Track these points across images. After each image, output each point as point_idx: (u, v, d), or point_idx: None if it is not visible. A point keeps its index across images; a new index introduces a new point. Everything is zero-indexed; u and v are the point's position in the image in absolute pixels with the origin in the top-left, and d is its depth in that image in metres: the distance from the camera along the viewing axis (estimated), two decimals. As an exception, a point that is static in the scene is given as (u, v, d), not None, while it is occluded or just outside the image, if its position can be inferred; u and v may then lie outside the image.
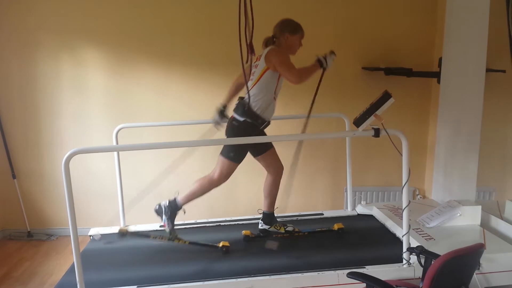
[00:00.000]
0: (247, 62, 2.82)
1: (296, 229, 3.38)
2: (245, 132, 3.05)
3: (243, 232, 3.31)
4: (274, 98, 3.12)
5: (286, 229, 3.36)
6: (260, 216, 3.41)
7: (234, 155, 3.09)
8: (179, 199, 3.20)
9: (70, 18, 4.12)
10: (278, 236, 3.31)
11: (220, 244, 3.10)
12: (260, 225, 3.40)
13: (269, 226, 3.37)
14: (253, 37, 2.91)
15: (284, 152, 3.36)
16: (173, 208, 3.19)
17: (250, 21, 2.81)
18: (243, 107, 3.05)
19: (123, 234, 3.27)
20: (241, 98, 3.15)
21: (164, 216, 3.19)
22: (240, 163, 3.15)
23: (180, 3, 4.17)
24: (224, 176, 3.14)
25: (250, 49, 3.02)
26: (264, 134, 3.20)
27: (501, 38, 3.57)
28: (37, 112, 4.26)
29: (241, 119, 3.05)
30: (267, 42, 3.14)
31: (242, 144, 3.03)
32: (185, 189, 3.18)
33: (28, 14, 4.10)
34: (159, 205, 3.22)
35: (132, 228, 3.48)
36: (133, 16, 4.16)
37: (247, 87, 3.01)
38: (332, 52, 3.11)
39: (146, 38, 4.20)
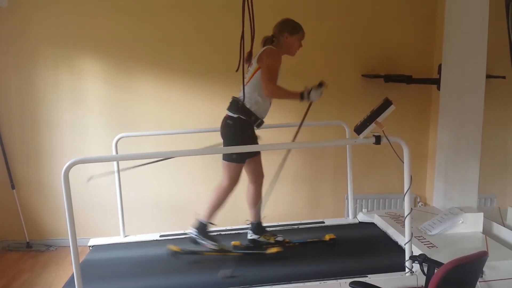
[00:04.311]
0: (237, 70, 2.81)
1: (287, 240, 3.32)
2: (240, 129, 3.05)
3: (232, 242, 3.25)
4: (268, 99, 3.11)
5: (276, 239, 3.31)
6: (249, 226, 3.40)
7: (236, 156, 3.06)
8: (202, 218, 3.16)
9: (68, 29, 4.13)
10: (268, 246, 3.23)
11: (274, 250, 3.09)
12: (249, 235, 3.36)
13: (258, 236, 3.34)
14: (252, 46, 2.92)
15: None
16: (203, 229, 3.15)
17: (250, 30, 2.83)
18: (237, 104, 3.05)
19: (174, 253, 3.14)
20: (235, 97, 3.12)
21: (202, 241, 3.14)
22: (244, 163, 3.12)
23: (178, 13, 4.18)
24: (234, 179, 3.11)
25: (248, 57, 3.03)
26: (255, 135, 3.18)
27: (501, 44, 3.56)
28: (36, 122, 4.25)
29: (235, 115, 3.04)
30: (266, 42, 3.11)
31: (240, 143, 3.00)
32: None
33: (27, 25, 4.10)
34: (191, 238, 3.16)
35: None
36: (131, 27, 4.16)
37: (243, 84, 2.97)
38: (321, 84, 3.02)
39: (144, 48, 4.20)
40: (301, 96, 2.99)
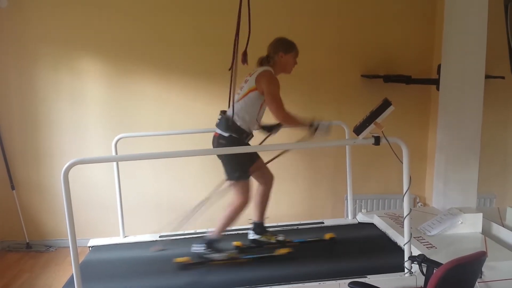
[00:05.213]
0: (230, 69, 2.80)
1: (287, 239, 3.34)
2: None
3: (234, 243, 3.24)
4: (257, 120, 3.09)
5: (277, 239, 3.34)
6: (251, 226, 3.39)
7: (239, 174, 3.03)
8: (213, 235, 3.12)
9: (69, 30, 4.13)
10: (269, 246, 3.24)
11: (283, 251, 3.10)
12: (250, 235, 3.37)
13: (260, 236, 3.36)
14: (248, 45, 2.91)
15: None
16: (211, 245, 3.11)
17: (247, 29, 2.81)
18: (227, 122, 3.00)
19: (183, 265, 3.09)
20: (223, 112, 3.08)
21: (211, 255, 3.11)
22: (248, 178, 3.08)
23: (178, 13, 4.19)
24: (245, 195, 3.07)
25: (244, 57, 3.01)
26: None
27: (500, 44, 3.57)
28: (36, 122, 4.25)
29: (226, 134, 3.00)
30: (262, 62, 3.10)
31: (240, 159, 2.98)
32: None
33: (27, 25, 4.10)
34: (198, 253, 3.11)
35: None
36: (132, 28, 4.16)
37: (233, 100, 2.95)
38: (326, 128, 3.01)
39: (144, 49, 4.20)
40: (310, 126, 2.97)
